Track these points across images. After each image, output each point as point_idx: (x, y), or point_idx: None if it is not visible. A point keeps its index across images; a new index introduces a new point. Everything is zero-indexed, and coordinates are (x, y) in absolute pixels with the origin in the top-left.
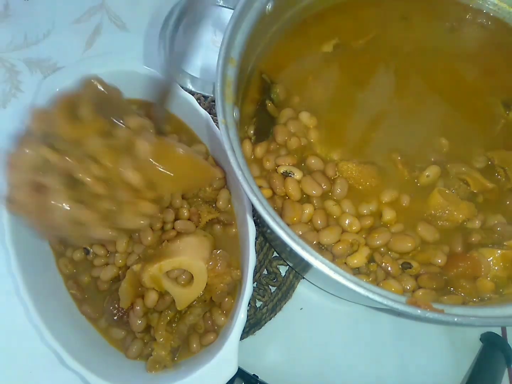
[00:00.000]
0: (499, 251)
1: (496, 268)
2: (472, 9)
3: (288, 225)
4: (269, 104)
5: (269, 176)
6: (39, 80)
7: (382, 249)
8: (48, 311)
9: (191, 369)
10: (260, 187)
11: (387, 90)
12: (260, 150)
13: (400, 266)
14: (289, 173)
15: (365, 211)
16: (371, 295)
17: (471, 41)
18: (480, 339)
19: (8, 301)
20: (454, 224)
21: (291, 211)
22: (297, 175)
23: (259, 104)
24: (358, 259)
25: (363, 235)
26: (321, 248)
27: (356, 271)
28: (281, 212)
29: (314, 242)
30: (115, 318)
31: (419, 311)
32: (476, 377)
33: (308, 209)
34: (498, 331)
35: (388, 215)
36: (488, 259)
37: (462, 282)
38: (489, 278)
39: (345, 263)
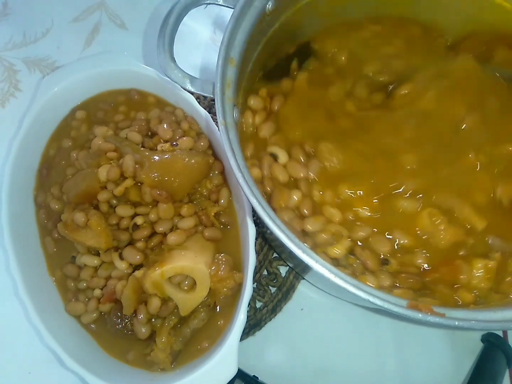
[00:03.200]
0: (483, 263)
1: (478, 279)
2: None
3: (275, 209)
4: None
5: (259, 157)
6: (38, 79)
7: (362, 244)
8: (47, 312)
9: (190, 370)
10: (251, 167)
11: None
12: (258, 118)
13: (379, 262)
14: (276, 155)
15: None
16: (371, 299)
17: None
18: (481, 340)
19: (7, 302)
20: (439, 244)
21: (278, 195)
22: (283, 157)
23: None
24: (338, 250)
25: (346, 227)
26: (304, 235)
27: (336, 263)
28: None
29: (299, 229)
30: (119, 326)
31: (420, 315)
32: (477, 378)
33: (296, 195)
34: (499, 332)
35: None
36: (471, 269)
37: (440, 287)
38: (469, 289)
39: (325, 252)
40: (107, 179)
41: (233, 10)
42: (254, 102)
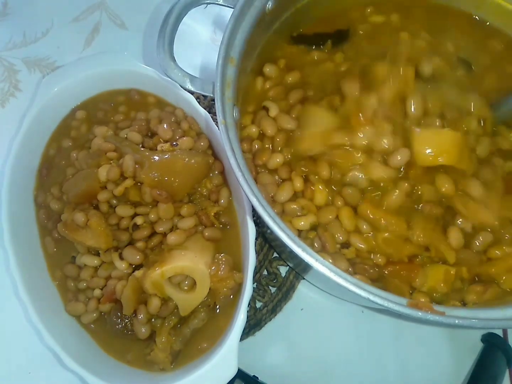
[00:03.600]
0: (443, 268)
1: (435, 281)
2: None
3: (258, 165)
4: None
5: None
6: (38, 79)
7: (325, 225)
8: (47, 312)
9: (190, 370)
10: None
11: None
12: (269, 83)
13: (338, 246)
14: (267, 107)
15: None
16: (372, 297)
17: None
18: (481, 340)
19: (7, 302)
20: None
21: (261, 152)
22: (274, 110)
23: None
24: (303, 222)
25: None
26: (273, 201)
27: (298, 234)
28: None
29: (271, 195)
30: (119, 326)
31: (420, 313)
32: (477, 378)
33: (278, 158)
34: (499, 332)
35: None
36: (431, 272)
37: (395, 281)
38: (425, 290)
39: (290, 221)
40: (107, 179)
41: (233, 10)
42: (269, 69)
